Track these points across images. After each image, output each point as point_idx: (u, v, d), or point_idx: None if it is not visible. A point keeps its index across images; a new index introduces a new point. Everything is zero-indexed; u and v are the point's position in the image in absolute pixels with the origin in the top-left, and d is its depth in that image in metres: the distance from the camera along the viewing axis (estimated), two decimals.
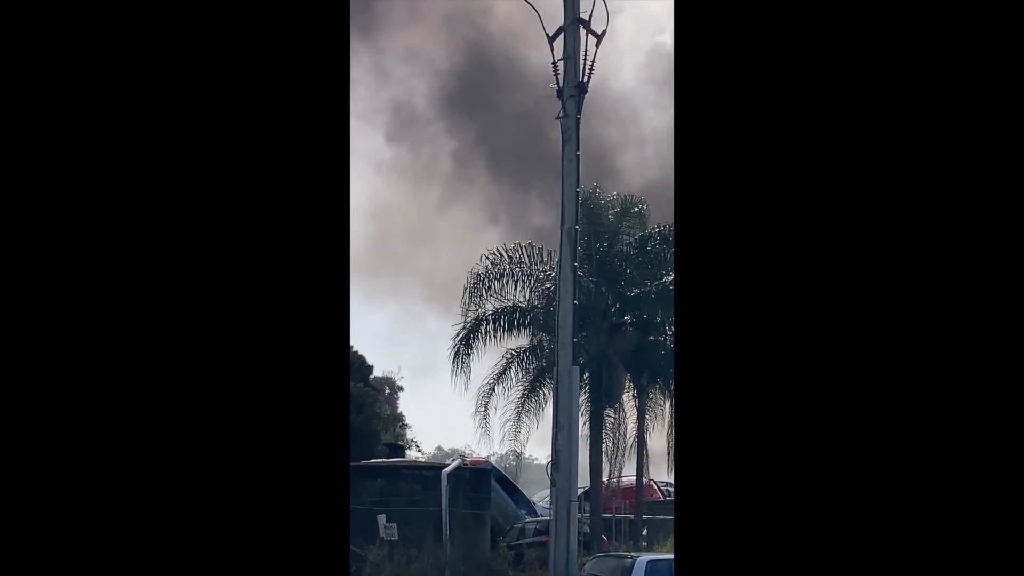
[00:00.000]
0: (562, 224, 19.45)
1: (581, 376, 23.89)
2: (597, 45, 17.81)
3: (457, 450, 47.00)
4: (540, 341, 29.22)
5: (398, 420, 39.05)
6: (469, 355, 28.93)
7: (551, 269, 27.67)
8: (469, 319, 28.79)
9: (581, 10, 17.79)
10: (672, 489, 35.13)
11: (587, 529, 27.61)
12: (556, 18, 18.12)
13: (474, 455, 35.44)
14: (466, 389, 29.04)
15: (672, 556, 24.45)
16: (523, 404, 29.18)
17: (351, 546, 17.62)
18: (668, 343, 29.45)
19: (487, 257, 28.92)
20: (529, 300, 28.95)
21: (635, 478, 30.65)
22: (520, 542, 27.39)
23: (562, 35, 17.97)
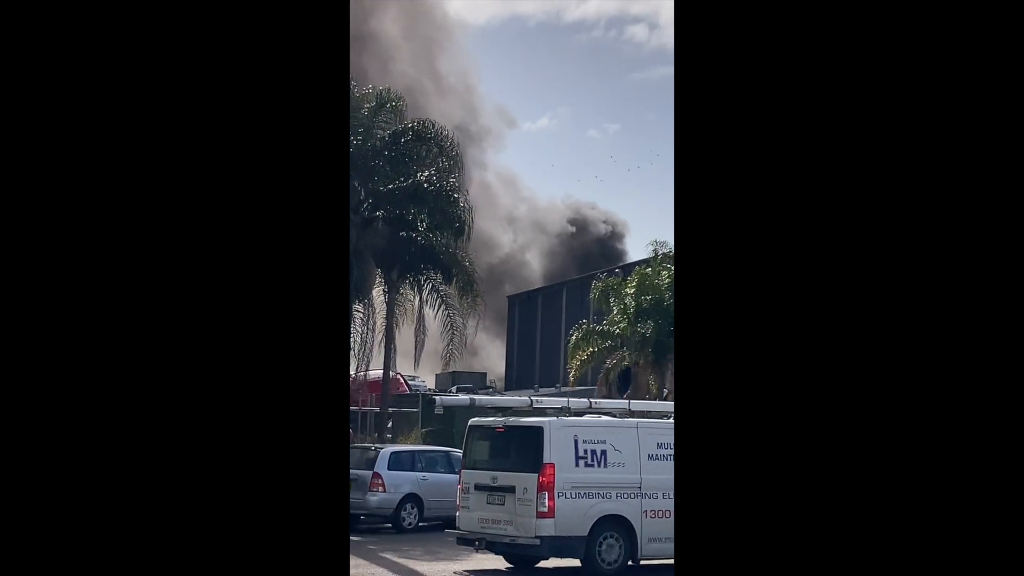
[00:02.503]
0: None
1: None
2: None
3: None
4: None
5: None
6: None
7: None
8: None
9: None
10: (416, 382, 35.71)
11: None
12: None
13: None
14: None
15: (414, 447, 25.00)
16: None
17: None
18: (419, 239, 29.69)
19: None
20: None
21: (382, 372, 31.01)
22: None
23: None
